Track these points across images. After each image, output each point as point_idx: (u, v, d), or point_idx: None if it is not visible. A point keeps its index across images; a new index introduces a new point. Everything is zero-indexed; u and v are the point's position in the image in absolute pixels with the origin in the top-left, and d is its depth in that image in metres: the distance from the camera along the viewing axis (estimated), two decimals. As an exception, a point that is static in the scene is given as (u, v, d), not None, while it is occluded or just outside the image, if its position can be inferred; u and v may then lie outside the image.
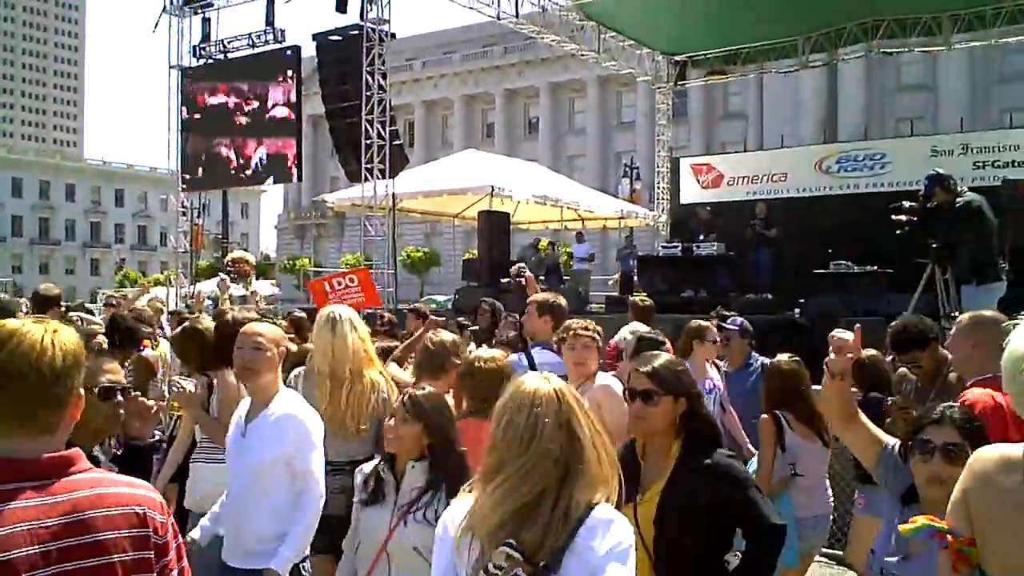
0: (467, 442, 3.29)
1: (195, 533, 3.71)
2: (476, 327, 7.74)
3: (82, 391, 1.86)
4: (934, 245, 8.91)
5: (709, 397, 5.56)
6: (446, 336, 4.68)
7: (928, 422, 2.46)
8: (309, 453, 3.60)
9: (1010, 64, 42.51)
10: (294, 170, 18.76)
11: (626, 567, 2.02)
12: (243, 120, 18.72)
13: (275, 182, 22.22)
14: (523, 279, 7.63)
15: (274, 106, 18.21)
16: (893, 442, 2.69)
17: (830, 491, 4.96)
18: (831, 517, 5.00)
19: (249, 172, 19.26)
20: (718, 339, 5.97)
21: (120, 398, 2.70)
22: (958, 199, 8.62)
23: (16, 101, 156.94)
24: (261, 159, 18.68)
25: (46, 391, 1.77)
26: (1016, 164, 16.26)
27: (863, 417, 2.78)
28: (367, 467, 3.46)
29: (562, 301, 5.38)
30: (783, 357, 4.98)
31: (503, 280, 15.30)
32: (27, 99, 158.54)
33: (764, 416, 4.84)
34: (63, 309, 8.22)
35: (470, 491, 2.20)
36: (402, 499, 3.22)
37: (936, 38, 19.74)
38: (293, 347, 4.76)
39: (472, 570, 2.07)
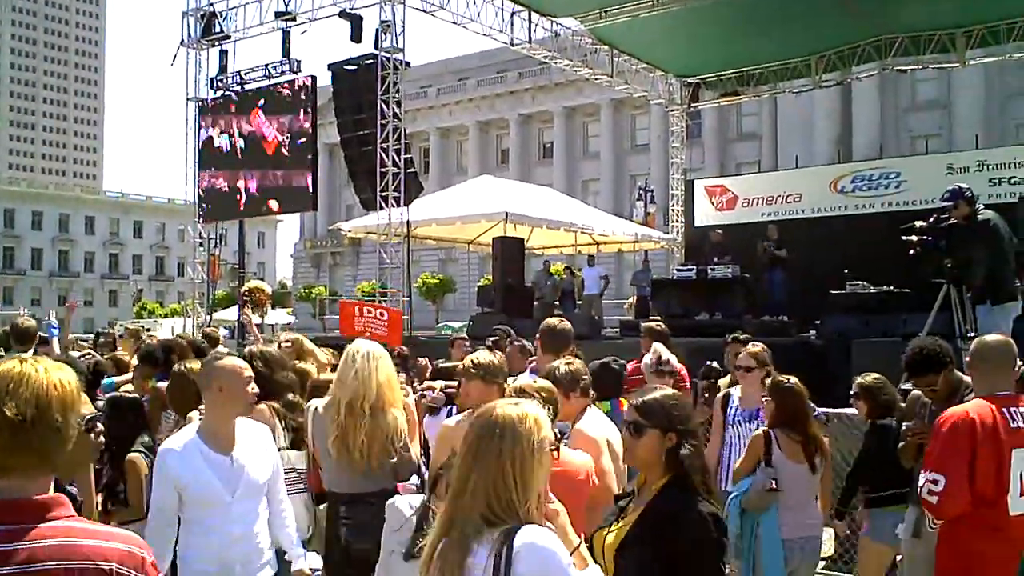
0: None
1: None
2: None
3: (76, 428, 1.85)
4: (949, 264, 8.84)
5: (751, 425, 5.56)
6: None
7: None
8: (278, 462, 3.95)
9: (1025, 79, 42.34)
10: (310, 200, 18.85)
11: None
12: (259, 150, 18.84)
13: (291, 212, 22.37)
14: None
15: (290, 136, 18.34)
16: None
17: (819, 515, 4.92)
18: (820, 539, 4.95)
19: (265, 203, 19.38)
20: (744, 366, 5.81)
21: (99, 427, 2.72)
22: (977, 216, 8.55)
23: (37, 136, 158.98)
24: (277, 189, 18.78)
25: (63, 430, 1.77)
26: (1033, 180, 16.18)
27: None
28: (401, 504, 3.32)
29: (554, 327, 5.42)
30: (784, 377, 5.00)
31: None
32: (47, 133, 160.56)
33: (757, 432, 4.92)
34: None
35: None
36: None
37: (950, 55, 19.68)
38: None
39: None
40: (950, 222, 8.73)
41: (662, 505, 2.72)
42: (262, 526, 3.77)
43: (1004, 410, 3.50)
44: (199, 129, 20.04)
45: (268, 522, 3.81)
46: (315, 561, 4.15)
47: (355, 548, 4.02)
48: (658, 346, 7.03)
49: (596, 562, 2.66)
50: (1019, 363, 3.67)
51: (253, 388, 3.78)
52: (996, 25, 18.38)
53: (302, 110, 18.20)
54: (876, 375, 5.38)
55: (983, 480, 3.41)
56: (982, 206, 8.99)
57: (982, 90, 42.42)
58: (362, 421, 4.14)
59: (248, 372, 3.81)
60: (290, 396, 4.85)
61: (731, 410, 5.72)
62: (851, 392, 5.45)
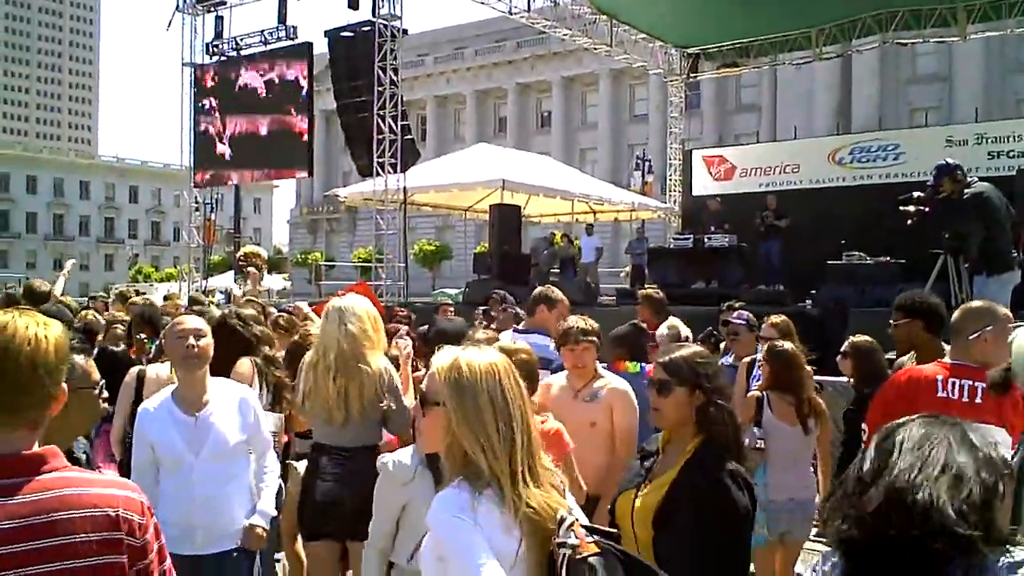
0: None
1: None
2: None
3: (65, 387, 1.81)
4: (946, 235, 8.86)
5: None
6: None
7: None
8: (262, 425, 3.86)
9: (1026, 54, 42.12)
10: (306, 165, 18.80)
11: None
12: (255, 115, 18.76)
13: (288, 175, 22.30)
14: None
15: (286, 101, 18.25)
16: None
17: (812, 477, 4.94)
18: (814, 502, 4.89)
19: (261, 168, 19.32)
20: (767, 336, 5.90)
21: (105, 394, 2.72)
22: (966, 190, 8.54)
23: (31, 100, 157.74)
24: (273, 154, 18.71)
25: (36, 386, 1.73)
26: (1031, 154, 16.15)
27: None
28: (396, 457, 3.17)
29: (552, 294, 5.68)
30: (779, 341, 5.15)
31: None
32: (42, 97, 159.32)
33: (751, 394, 5.01)
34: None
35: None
36: None
37: (951, 28, 19.49)
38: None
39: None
40: (943, 194, 8.75)
41: (698, 471, 2.66)
42: (233, 490, 3.68)
43: (940, 378, 3.41)
44: (193, 94, 19.92)
45: (243, 487, 3.72)
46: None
47: (325, 500, 4.05)
48: (674, 320, 6.97)
49: (616, 526, 2.63)
50: (985, 330, 3.40)
51: (192, 342, 3.64)
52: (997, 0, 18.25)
53: (298, 76, 18.12)
54: (869, 338, 5.42)
55: None
56: (976, 179, 8.99)
57: (982, 63, 42.19)
58: (332, 375, 4.13)
59: (188, 326, 3.71)
60: (266, 350, 4.86)
61: (753, 378, 5.76)
62: (841, 350, 5.48)
